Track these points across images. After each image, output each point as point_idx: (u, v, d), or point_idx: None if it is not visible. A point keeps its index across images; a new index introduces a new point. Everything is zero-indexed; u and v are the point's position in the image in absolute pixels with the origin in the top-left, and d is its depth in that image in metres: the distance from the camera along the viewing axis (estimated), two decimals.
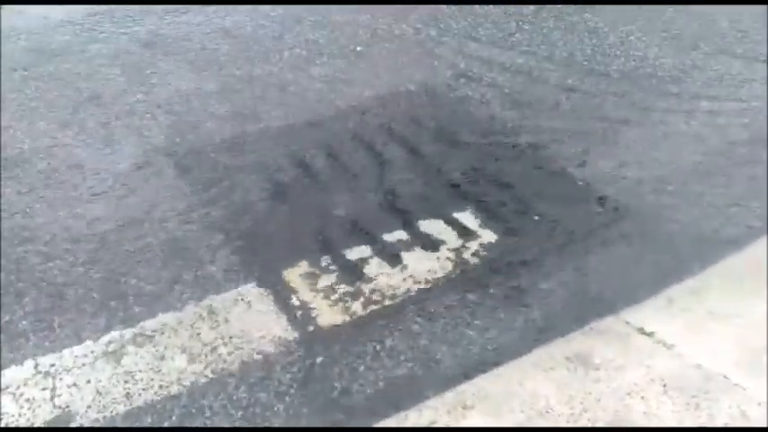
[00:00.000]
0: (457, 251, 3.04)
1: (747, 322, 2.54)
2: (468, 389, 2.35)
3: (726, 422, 2.12)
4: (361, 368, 2.49)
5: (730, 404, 2.18)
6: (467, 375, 2.43)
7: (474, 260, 2.99)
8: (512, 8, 5.33)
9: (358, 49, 4.83)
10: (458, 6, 5.33)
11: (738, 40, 4.85)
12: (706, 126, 3.90)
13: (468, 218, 3.23)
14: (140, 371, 2.49)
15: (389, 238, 3.12)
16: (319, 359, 2.52)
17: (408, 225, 3.19)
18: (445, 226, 3.18)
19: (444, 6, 5.34)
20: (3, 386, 2.42)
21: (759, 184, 3.39)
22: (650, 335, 2.53)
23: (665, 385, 2.29)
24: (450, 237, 3.12)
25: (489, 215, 3.24)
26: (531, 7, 5.34)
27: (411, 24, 5.10)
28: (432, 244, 3.08)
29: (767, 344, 2.40)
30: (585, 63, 4.59)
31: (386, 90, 4.28)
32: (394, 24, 5.09)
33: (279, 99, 4.24)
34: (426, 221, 3.20)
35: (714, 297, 2.71)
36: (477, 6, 5.35)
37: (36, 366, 2.51)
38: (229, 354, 2.55)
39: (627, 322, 2.60)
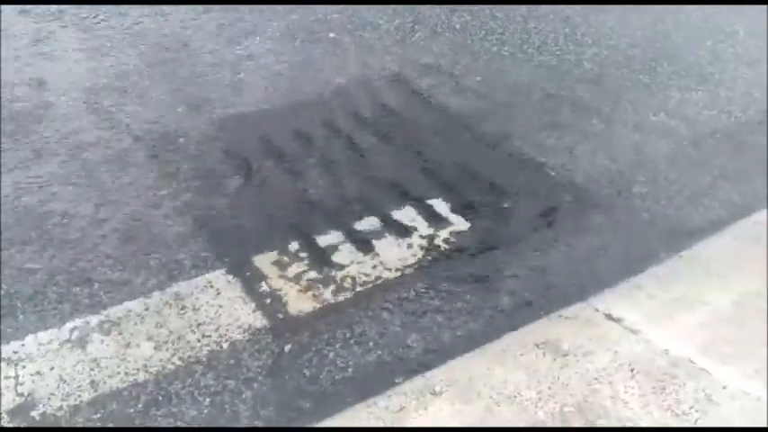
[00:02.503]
0: (428, 238, 3.03)
1: (712, 308, 2.57)
2: (437, 375, 2.35)
3: (691, 406, 2.15)
4: (331, 355, 2.48)
5: (696, 388, 2.21)
6: (436, 361, 2.42)
7: (445, 247, 2.99)
8: None
9: (331, 35, 4.79)
10: None
11: (710, 32, 4.89)
12: (676, 116, 3.93)
13: (440, 205, 3.22)
14: (106, 358, 2.45)
15: (361, 225, 3.10)
16: (288, 346, 2.50)
17: (380, 212, 3.18)
18: (417, 213, 3.18)
19: None
20: None
21: (726, 174, 3.43)
22: (618, 321, 2.55)
23: (632, 370, 2.31)
24: (421, 224, 3.11)
25: (461, 203, 3.23)
26: None
27: (387, 11, 5.07)
28: (403, 231, 3.07)
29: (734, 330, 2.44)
30: (558, 52, 4.60)
31: (357, 77, 4.25)
32: (367, 12, 5.05)
33: (249, 84, 4.20)
34: (398, 209, 3.19)
35: (681, 284, 2.73)
36: None
37: None
38: (197, 341, 2.52)
39: (595, 309, 2.62)
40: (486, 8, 5.13)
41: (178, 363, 2.44)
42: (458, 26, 4.90)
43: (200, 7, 5.01)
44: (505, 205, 3.22)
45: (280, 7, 5.05)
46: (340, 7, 5.07)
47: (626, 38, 4.78)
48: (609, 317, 2.58)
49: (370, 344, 2.53)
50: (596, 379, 2.28)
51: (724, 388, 2.20)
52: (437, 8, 5.13)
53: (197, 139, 3.64)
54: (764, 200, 3.21)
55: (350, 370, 2.42)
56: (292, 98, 4.05)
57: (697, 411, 2.11)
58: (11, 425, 2.23)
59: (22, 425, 2.23)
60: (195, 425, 2.23)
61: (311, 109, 3.95)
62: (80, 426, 2.23)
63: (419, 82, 4.23)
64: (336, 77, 4.27)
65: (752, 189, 3.33)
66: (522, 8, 5.16)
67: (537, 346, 2.44)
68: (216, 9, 5.00)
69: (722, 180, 3.38)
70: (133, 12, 4.93)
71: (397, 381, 2.35)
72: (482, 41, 4.72)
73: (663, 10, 5.20)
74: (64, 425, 2.23)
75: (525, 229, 3.09)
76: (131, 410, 2.27)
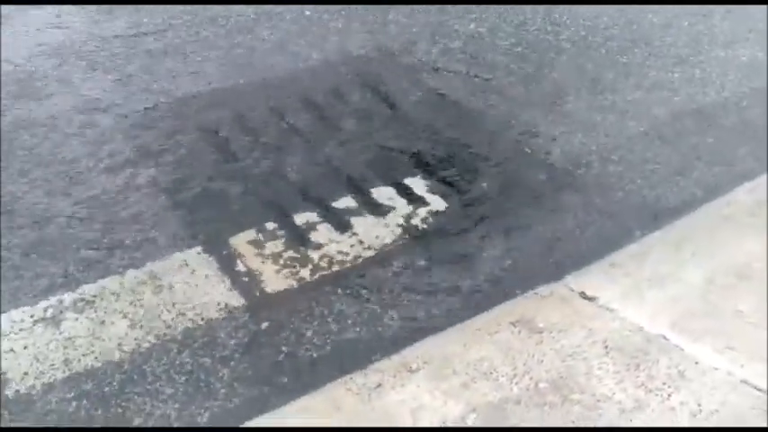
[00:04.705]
0: (406, 217, 3.03)
1: (685, 285, 2.60)
2: (413, 352, 2.36)
3: (664, 381, 2.18)
4: (309, 333, 2.48)
5: (669, 364, 2.24)
6: (413, 339, 2.43)
7: (423, 226, 2.99)
8: None
9: (307, 13, 4.74)
10: None
11: (686, 13, 4.91)
12: (652, 96, 3.95)
13: (418, 184, 3.22)
14: (80, 336, 2.43)
15: (338, 204, 3.09)
16: (265, 324, 2.49)
17: (358, 191, 3.17)
18: (395, 192, 3.17)
19: None
20: None
21: (701, 154, 3.47)
22: (593, 299, 2.57)
23: (606, 347, 2.33)
24: (399, 203, 3.11)
25: (439, 181, 3.23)
26: None
27: None
28: (381, 210, 3.07)
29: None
30: (536, 32, 4.60)
31: (336, 55, 4.22)
32: None
33: (226, 60, 4.16)
34: (376, 188, 3.19)
35: (654, 262, 2.76)
36: None
37: None
38: (172, 320, 2.51)
39: (570, 288, 2.63)
40: None
41: (153, 341, 2.43)
42: (435, 6, 4.87)
43: None
44: (483, 185, 3.23)
45: None
46: None
47: (604, 17, 4.79)
48: (583, 295, 2.60)
49: (348, 321, 2.53)
50: (571, 356, 2.30)
51: (696, 363, 2.24)
52: None
53: (171, 116, 3.60)
54: (737, 179, 3.24)
55: (327, 348, 2.42)
56: (268, 74, 4.02)
57: (669, 387, 2.14)
58: None
59: None
60: (171, 403, 2.22)
61: (287, 85, 3.92)
62: (54, 402, 2.21)
63: (399, 59, 4.21)
64: (313, 53, 4.24)
65: (726, 169, 3.36)
66: None
67: (512, 324, 2.46)
68: None
69: (696, 160, 3.41)
70: None
71: (374, 358, 2.35)
72: (461, 20, 4.70)
73: None
74: (38, 403, 2.21)
75: (502, 208, 3.09)
76: (106, 389, 2.25)
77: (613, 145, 3.52)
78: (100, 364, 2.34)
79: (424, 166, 3.32)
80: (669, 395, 2.12)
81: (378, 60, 4.20)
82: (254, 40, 4.34)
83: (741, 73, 4.18)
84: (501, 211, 3.09)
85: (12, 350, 2.37)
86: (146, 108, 3.65)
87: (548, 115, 3.74)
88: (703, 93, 4.00)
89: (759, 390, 2.12)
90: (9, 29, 4.43)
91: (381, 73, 4.07)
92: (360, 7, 4.82)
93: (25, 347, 2.38)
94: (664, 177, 3.30)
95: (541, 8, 4.88)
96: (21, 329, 2.45)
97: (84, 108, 3.64)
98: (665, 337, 2.36)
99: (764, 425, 2.04)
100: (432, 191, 3.19)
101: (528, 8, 4.89)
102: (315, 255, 2.83)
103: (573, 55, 4.35)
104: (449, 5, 4.85)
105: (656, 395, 2.13)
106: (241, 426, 2.10)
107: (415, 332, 2.49)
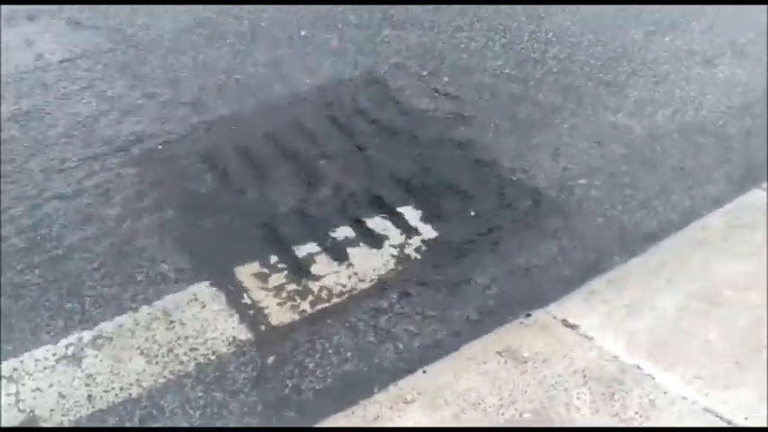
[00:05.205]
0: (399, 247, 3.23)
1: (659, 313, 2.81)
2: (408, 383, 2.57)
3: (636, 411, 2.39)
4: (311, 366, 2.68)
5: (641, 394, 2.45)
6: (408, 370, 2.64)
7: (416, 256, 3.19)
8: None
9: (302, 33, 4.91)
10: None
11: (667, 27, 5.08)
12: (633, 116, 4.14)
13: (410, 213, 3.41)
14: (101, 373, 2.63)
15: (335, 234, 3.28)
16: (271, 358, 2.70)
17: (353, 220, 3.36)
18: (388, 221, 3.36)
19: None
20: None
21: (678, 177, 3.66)
22: (574, 327, 2.78)
23: (584, 376, 2.54)
24: (393, 232, 3.31)
25: (430, 210, 3.43)
26: None
27: (356, 8, 5.18)
28: (376, 240, 3.26)
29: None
30: (523, 50, 4.77)
31: (329, 79, 4.39)
32: (338, 12, 5.17)
33: (223, 86, 4.32)
34: (371, 217, 3.38)
35: (632, 289, 2.96)
36: None
37: None
38: (185, 355, 2.71)
39: (553, 315, 2.84)
40: (456, 6, 5.27)
41: (169, 376, 2.63)
42: (426, 23, 5.03)
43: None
44: (472, 213, 3.42)
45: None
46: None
47: (589, 35, 4.96)
48: (565, 323, 2.80)
49: (348, 354, 2.74)
50: (552, 386, 2.51)
51: (665, 393, 2.45)
52: (407, 4, 5.25)
53: (176, 146, 3.78)
54: (711, 203, 3.44)
55: (329, 380, 2.63)
56: (265, 100, 4.19)
57: (641, 416, 2.36)
58: None
59: None
60: None
61: (283, 112, 4.09)
62: None
63: (390, 83, 4.38)
64: (306, 78, 4.41)
65: (701, 192, 3.56)
66: (490, 6, 5.31)
67: (499, 353, 2.67)
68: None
69: (674, 183, 3.61)
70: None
71: (372, 390, 2.56)
72: (450, 39, 4.87)
73: (623, 3, 5.38)
74: None
75: (490, 237, 3.29)
76: (128, 424, 2.46)
77: (595, 169, 3.72)
78: (120, 401, 2.54)
79: (415, 195, 3.51)
80: (640, 424, 2.34)
81: (368, 83, 4.36)
82: (251, 66, 4.50)
83: (719, 91, 4.37)
84: (489, 239, 3.28)
85: (38, 389, 2.57)
86: (150, 138, 3.83)
87: (533, 138, 3.93)
88: (682, 112, 4.19)
89: (720, 417, 2.34)
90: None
91: (372, 96, 4.24)
92: (352, 25, 4.98)
93: (50, 385, 2.58)
94: (642, 202, 3.50)
95: (528, 26, 5.04)
96: (44, 368, 2.65)
97: (89, 140, 3.81)
98: (638, 367, 2.57)
99: None
100: (423, 219, 3.38)
101: (515, 25, 5.05)
102: (315, 286, 3.03)
103: (558, 74, 4.52)
104: (440, 23, 5.01)
105: (629, 424, 2.34)
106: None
107: (410, 362, 2.69)
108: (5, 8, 5.09)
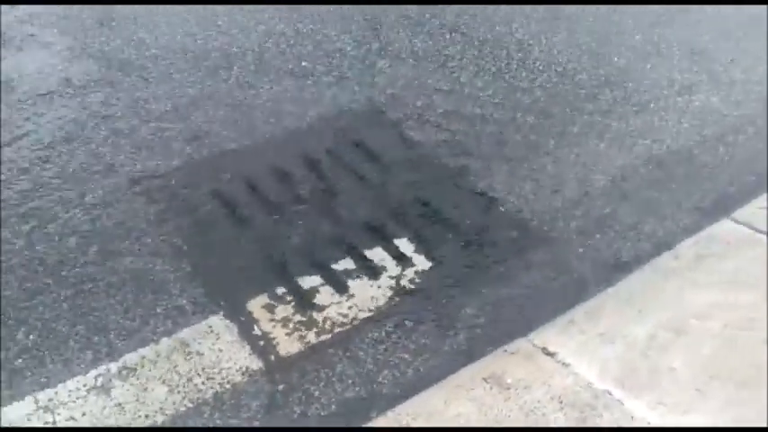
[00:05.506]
0: (396, 278, 3.53)
1: (630, 342, 3.11)
2: (403, 409, 2.87)
3: None
4: (316, 393, 2.99)
5: (610, 419, 2.76)
6: (404, 396, 2.94)
7: (410, 287, 3.49)
8: (447, 19, 5.72)
9: (303, 64, 5.18)
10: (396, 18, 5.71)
11: (648, 53, 5.37)
12: (613, 147, 4.43)
13: (405, 245, 3.71)
14: (128, 402, 2.93)
15: (338, 266, 3.58)
16: (280, 387, 3.00)
17: (354, 252, 3.66)
18: (386, 252, 3.66)
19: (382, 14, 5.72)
20: (7, 423, 2.83)
21: (653, 208, 3.96)
22: (553, 355, 3.08)
23: (561, 402, 2.85)
24: (390, 264, 3.60)
25: (423, 242, 3.72)
26: (466, 16, 5.74)
27: (353, 37, 5.46)
28: (374, 272, 3.56)
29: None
30: (511, 79, 5.05)
31: (330, 111, 4.67)
32: (336, 37, 5.44)
33: (229, 119, 4.60)
34: (369, 249, 3.67)
35: (606, 318, 3.26)
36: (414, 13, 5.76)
37: (36, 402, 2.92)
38: (203, 383, 3.01)
39: (534, 344, 3.15)
40: (447, 33, 5.55)
41: (189, 404, 2.93)
42: (420, 52, 5.31)
43: None
44: (461, 243, 3.72)
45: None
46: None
47: (573, 63, 5.24)
48: (545, 351, 3.11)
49: (349, 381, 3.04)
50: (532, 411, 2.82)
51: (632, 418, 2.76)
52: (401, 32, 5.53)
53: (186, 180, 4.07)
54: (683, 233, 3.74)
55: (333, 407, 2.93)
56: (271, 132, 4.48)
57: None
58: None
59: None
60: None
61: (289, 143, 4.38)
62: None
63: (386, 114, 4.66)
64: (310, 110, 4.69)
65: (674, 223, 3.86)
66: (480, 31, 5.59)
67: (485, 380, 2.97)
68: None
69: (648, 214, 3.91)
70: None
71: (372, 415, 2.86)
72: (442, 69, 5.15)
73: (608, 26, 5.66)
74: None
75: (479, 266, 3.59)
76: None
77: (577, 200, 4.01)
78: (147, 428, 2.84)
79: (409, 226, 3.81)
80: None
81: (366, 114, 4.65)
82: (254, 98, 4.78)
83: (695, 119, 4.66)
84: (477, 269, 3.58)
85: (72, 417, 2.87)
86: (162, 172, 4.11)
87: (519, 170, 4.22)
88: (660, 141, 4.48)
89: None
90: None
91: (369, 128, 4.52)
92: (350, 56, 5.26)
93: (83, 414, 2.88)
94: (619, 233, 3.80)
95: (516, 53, 5.33)
96: (77, 398, 2.94)
97: (107, 175, 4.10)
98: (609, 393, 2.88)
99: None
100: (417, 251, 3.68)
101: (504, 53, 5.33)
102: (319, 317, 3.33)
103: (544, 103, 4.81)
104: (432, 52, 5.29)
105: None
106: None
107: (405, 389, 3.00)
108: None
